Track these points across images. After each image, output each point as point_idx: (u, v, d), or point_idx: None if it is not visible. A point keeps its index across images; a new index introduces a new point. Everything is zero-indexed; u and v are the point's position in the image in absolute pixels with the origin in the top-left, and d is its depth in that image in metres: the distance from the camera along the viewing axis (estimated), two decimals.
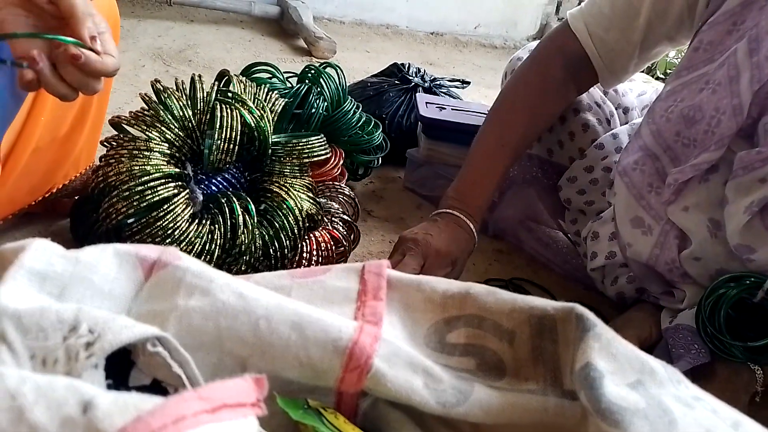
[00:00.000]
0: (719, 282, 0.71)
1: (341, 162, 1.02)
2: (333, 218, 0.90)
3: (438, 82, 1.41)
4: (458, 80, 1.48)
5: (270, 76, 1.09)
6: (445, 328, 0.41)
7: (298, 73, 1.09)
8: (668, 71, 2.62)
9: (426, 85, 1.37)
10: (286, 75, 1.14)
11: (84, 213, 0.80)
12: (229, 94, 0.76)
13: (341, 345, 0.36)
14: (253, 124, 0.75)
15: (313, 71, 1.05)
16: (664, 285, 0.82)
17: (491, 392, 0.37)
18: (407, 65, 1.44)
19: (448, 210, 0.83)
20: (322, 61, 1.79)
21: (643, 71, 2.70)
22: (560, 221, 1.02)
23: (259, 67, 1.07)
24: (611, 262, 0.87)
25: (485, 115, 0.93)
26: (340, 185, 0.94)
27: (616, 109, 1.00)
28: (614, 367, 0.33)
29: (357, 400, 0.39)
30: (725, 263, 0.73)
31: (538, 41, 0.94)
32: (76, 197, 0.89)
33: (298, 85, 1.01)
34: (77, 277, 0.37)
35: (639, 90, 1.04)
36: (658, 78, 2.57)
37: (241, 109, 0.74)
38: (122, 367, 0.36)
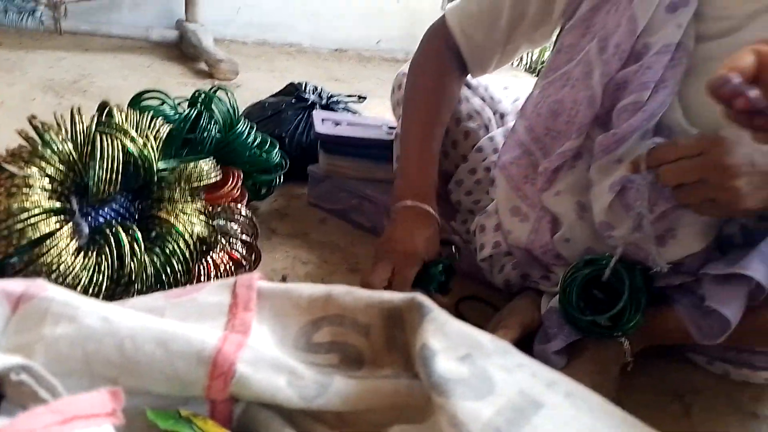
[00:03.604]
0: (578, 264, 0.79)
1: (239, 183, 1.04)
2: (232, 239, 0.92)
3: (335, 99, 1.45)
4: (354, 96, 1.53)
5: (161, 102, 1.10)
6: (312, 328, 0.45)
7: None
8: None
9: (323, 102, 1.42)
10: (178, 100, 1.14)
11: None
12: (110, 125, 0.77)
13: (205, 355, 0.39)
14: (136, 153, 0.76)
15: (203, 96, 1.07)
16: (542, 269, 0.90)
17: (350, 382, 0.41)
18: (304, 84, 1.47)
19: (402, 203, 0.90)
20: (216, 84, 1.80)
21: (536, 75, 2.87)
22: (452, 223, 1.08)
23: (148, 95, 1.08)
24: (497, 251, 0.94)
25: (391, 125, 1.02)
26: (237, 207, 0.96)
27: (493, 114, 1.08)
28: (446, 344, 0.38)
29: (231, 406, 0.42)
30: (591, 243, 0.82)
31: (429, 28, 1.03)
32: None
33: (189, 110, 1.02)
34: None
35: (513, 96, 1.13)
36: None
37: (123, 138, 0.75)
38: None
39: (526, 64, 3.01)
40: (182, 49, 2.24)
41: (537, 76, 2.95)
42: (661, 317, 0.78)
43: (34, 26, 2.03)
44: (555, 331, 0.78)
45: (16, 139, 1.36)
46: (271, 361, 0.41)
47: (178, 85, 1.98)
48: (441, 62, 0.99)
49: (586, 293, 0.79)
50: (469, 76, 1.09)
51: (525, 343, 0.81)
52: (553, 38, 0.96)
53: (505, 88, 1.16)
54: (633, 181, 0.73)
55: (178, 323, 0.41)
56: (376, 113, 1.81)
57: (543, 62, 2.91)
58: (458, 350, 0.38)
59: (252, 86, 2.06)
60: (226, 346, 0.40)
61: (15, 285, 0.42)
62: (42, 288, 0.42)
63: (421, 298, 0.41)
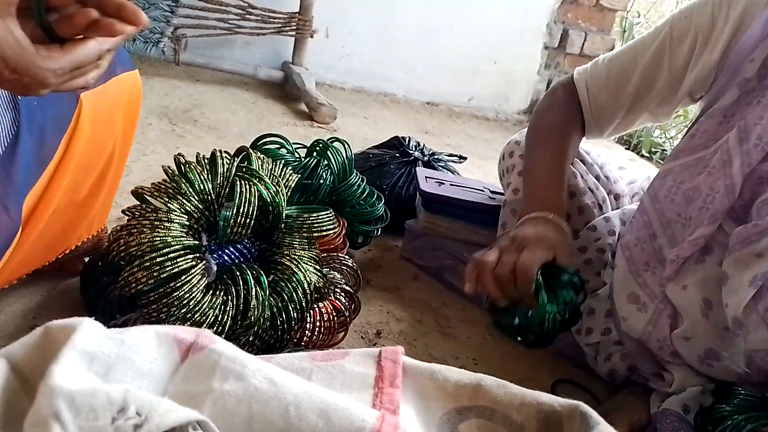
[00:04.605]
0: (736, 411, 0.72)
1: (344, 231, 1.06)
2: (335, 288, 0.93)
3: (436, 156, 1.47)
4: (455, 155, 1.54)
5: (278, 146, 1.14)
6: (457, 417, 0.44)
7: (302, 139, 1.15)
8: (653, 149, 2.74)
9: (425, 158, 1.44)
10: (294, 145, 1.19)
11: (95, 276, 0.83)
12: (248, 170, 0.80)
13: None
14: (269, 199, 0.79)
15: (321, 145, 1.10)
16: (655, 365, 0.86)
17: None
18: (407, 139, 1.50)
19: (531, 215, 0.86)
20: (329, 134, 1.86)
21: (628, 149, 2.79)
22: None
23: (269, 138, 1.13)
24: (606, 339, 0.91)
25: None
26: (343, 256, 0.97)
27: (608, 194, 1.06)
28: None
29: None
30: (713, 344, 0.78)
31: (555, 84, 1.05)
32: (86, 258, 0.92)
33: (308, 159, 1.06)
34: (121, 357, 0.40)
35: (629, 178, 1.11)
36: (643, 156, 2.69)
37: (259, 184, 0.78)
38: None
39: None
40: (285, 90, 2.35)
41: (626, 147, 2.86)
42: None
43: (156, 55, 2.18)
44: None
45: (134, 161, 1.44)
46: None
47: (279, 123, 2.07)
48: (567, 109, 1.00)
49: None
50: (585, 153, 1.08)
51: None
52: (671, 118, 0.96)
53: (620, 169, 1.14)
54: None
55: (336, 395, 0.41)
56: (464, 168, 1.82)
57: (648, 143, 2.83)
58: None
59: (347, 131, 2.12)
60: (384, 427, 0.39)
61: (186, 333, 0.43)
62: (211, 340, 0.43)
63: (586, 407, 0.40)
